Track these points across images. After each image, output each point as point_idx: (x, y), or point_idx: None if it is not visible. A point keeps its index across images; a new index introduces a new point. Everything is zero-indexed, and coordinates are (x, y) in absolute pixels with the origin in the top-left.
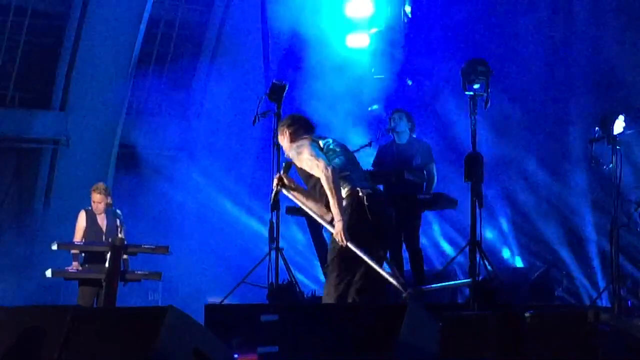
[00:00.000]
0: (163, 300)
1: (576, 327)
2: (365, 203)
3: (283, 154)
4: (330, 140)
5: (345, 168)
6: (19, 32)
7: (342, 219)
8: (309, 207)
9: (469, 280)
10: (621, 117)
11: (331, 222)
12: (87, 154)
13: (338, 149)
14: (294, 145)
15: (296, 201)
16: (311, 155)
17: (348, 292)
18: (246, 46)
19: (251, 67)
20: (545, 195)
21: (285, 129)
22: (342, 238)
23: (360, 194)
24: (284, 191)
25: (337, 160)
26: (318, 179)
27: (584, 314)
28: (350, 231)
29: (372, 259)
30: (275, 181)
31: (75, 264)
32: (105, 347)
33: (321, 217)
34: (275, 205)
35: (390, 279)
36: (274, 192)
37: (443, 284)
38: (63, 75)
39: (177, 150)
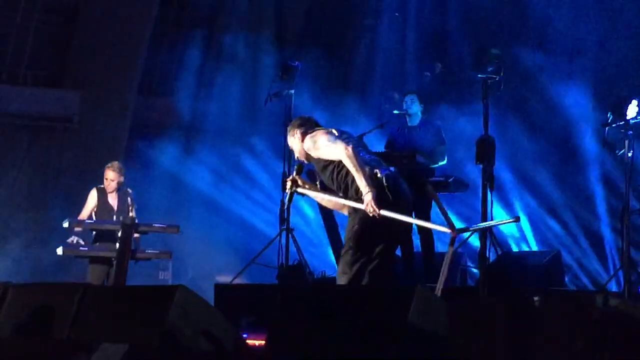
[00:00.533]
0: (173, 280)
1: (584, 312)
2: (385, 184)
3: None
4: (341, 130)
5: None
6: (32, 10)
7: (371, 190)
8: (328, 199)
9: (514, 218)
10: (634, 102)
11: (358, 200)
12: (99, 132)
13: (350, 135)
14: (308, 137)
15: (313, 197)
16: (328, 140)
17: (364, 272)
18: (260, 26)
19: (264, 48)
20: (558, 180)
21: (296, 129)
22: (373, 208)
23: (379, 175)
24: (300, 190)
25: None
26: (336, 166)
27: (593, 299)
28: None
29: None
30: (288, 184)
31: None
32: (115, 325)
33: (347, 199)
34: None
35: (434, 226)
36: (288, 195)
37: (488, 223)
38: (76, 54)
39: (188, 130)
